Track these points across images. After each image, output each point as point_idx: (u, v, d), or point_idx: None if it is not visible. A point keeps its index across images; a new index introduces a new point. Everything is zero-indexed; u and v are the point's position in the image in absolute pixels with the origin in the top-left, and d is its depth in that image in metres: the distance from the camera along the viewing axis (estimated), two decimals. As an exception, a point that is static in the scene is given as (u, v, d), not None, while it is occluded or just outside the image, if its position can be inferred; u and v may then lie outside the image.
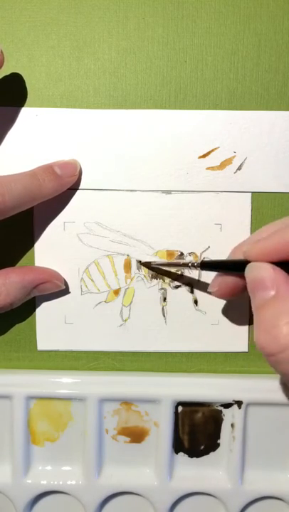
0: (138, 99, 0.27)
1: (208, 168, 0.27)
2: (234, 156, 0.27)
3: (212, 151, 0.27)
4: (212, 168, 0.27)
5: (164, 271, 0.27)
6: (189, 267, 0.25)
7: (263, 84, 0.26)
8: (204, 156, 0.27)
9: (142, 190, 0.27)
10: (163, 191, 0.27)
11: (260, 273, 0.20)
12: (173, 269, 0.27)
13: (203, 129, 0.27)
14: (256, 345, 0.20)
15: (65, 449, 0.28)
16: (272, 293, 0.20)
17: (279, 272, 0.20)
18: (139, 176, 0.27)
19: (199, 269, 0.25)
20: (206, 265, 0.24)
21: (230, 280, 0.24)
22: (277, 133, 0.27)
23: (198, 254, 0.27)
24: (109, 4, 0.26)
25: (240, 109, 0.27)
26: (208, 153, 0.27)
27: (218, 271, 0.25)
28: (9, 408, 0.27)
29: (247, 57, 0.26)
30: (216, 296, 0.25)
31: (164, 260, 0.27)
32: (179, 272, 0.27)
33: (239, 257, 0.23)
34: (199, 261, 0.25)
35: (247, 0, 0.26)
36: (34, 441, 0.28)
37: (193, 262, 0.25)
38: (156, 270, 0.27)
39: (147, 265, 0.27)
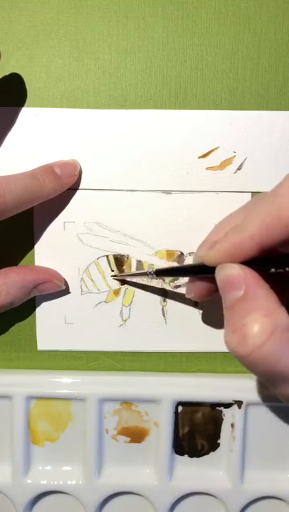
0: (138, 99, 0.27)
1: (208, 168, 0.27)
2: (234, 156, 0.27)
3: (212, 151, 0.27)
4: (212, 168, 0.27)
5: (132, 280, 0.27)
6: (147, 275, 0.25)
7: (263, 84, 0.26)
8: (204, 156, 0.27)
9: (142, 190, 0.27)
10: (163, 191, 0.27)
11: (228, 272, 0.20)
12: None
13: (203, 129, 0.27)
14: (227, 347, 0.19)
15: (65, 449, 0.28)
16: (241, 292, 0.19)
17: (247, 271, 0.19)
18: (139, 176, 0.27)
19: (155, 276, 0.25)
20: (160, 272, 0.25)
21: (200, 284, 0.24)
22: (277, 133, 0.27)
23: (198, 254, 0.27)
24: (109, 4, 0.26)
25: (240, 109, 0.27)
26: (208, 153, 0.27)
27: (173, 275, 0.26)
28: (9, 408, 0.27)
29: (247, 57, 0.26)
30: (196, 300, 0.26)
31: (130, 272, 0.27)
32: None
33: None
34: (154, 270, 0.25)
35: (247, 0, 0.26)
36: (34, 441, 0.28)
37: (150, 270, 0.25)
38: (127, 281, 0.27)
39: (115, 277, 0.27)
